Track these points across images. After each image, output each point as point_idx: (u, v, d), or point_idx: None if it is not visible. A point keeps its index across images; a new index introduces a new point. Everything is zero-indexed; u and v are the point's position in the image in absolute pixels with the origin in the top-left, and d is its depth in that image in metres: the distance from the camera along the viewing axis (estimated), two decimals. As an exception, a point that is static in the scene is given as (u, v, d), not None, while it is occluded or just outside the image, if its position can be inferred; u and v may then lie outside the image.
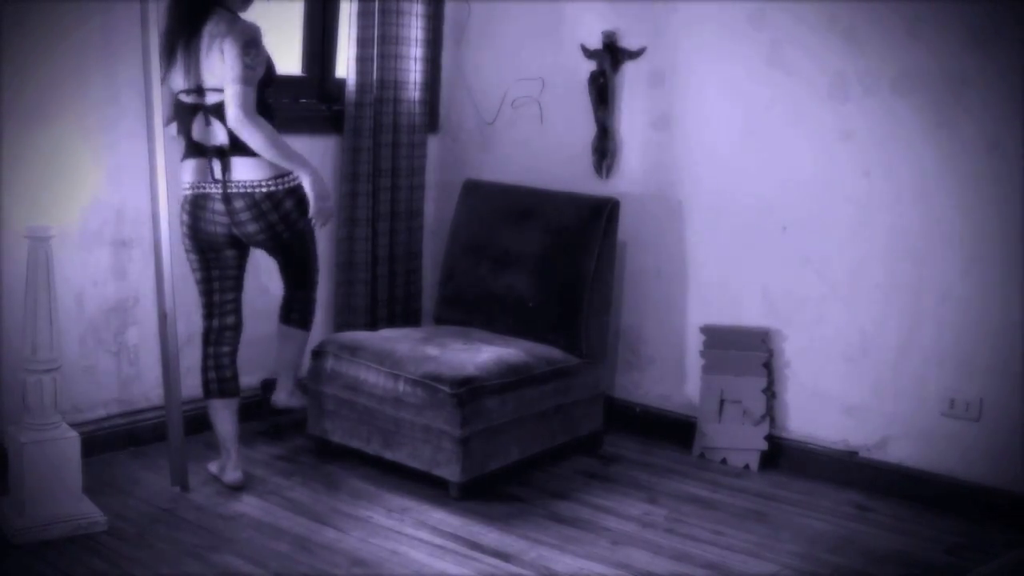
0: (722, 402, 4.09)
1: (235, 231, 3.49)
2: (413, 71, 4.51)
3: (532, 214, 4.23)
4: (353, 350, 3.85)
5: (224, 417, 3.61)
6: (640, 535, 3.42)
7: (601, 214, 4.09)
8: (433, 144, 4.79)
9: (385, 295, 4.55)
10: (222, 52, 3.33)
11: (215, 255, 3.56)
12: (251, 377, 4.10)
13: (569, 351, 4.03)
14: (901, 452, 3.82)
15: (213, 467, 3.69)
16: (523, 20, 4.59)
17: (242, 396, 3.71)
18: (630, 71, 4.31)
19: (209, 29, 3.36)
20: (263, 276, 4.05)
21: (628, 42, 4.29)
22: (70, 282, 3.65)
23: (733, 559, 3.28)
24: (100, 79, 3.67)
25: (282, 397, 3.91)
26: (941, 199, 3.66)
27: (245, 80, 3.32)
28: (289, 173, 3.46)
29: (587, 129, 4.41)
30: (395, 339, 3.93)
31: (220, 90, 3.36)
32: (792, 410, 4.05)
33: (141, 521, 3.34)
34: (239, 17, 3.43)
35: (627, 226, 4.27)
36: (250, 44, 3.34)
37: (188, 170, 3.50)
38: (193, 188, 3.50)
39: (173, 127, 3.65)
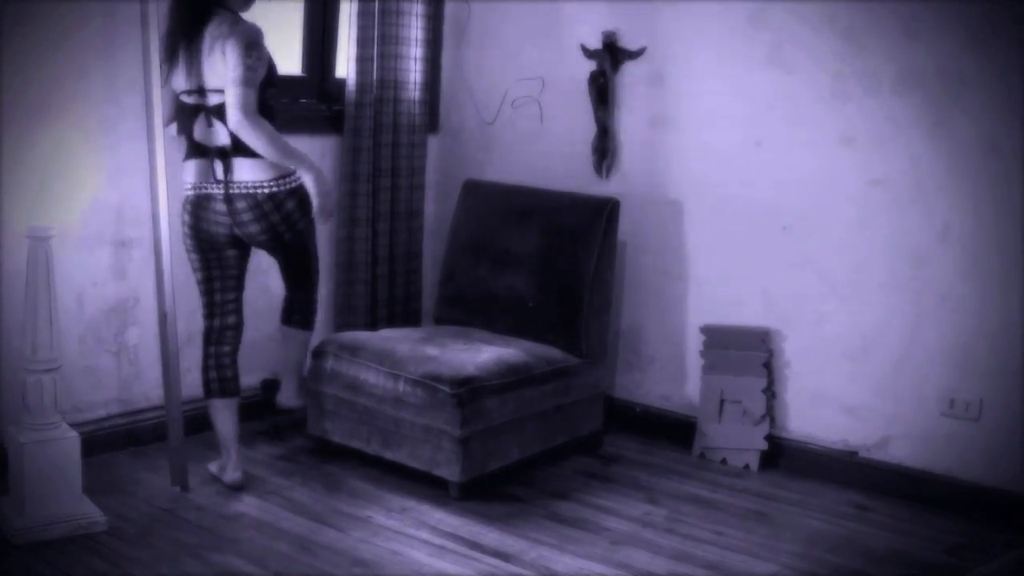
0: (722, 402, 4.09)
1: (237, 231, 3.50)
2: (413, 71, 4.51)
3: (532, 214, 4.23)
4: (353, 350, 3.85)
5: (224, 417, 3.61)
6: (640, 535, 3.42)
7: (601, 214, 4.09)
8: (433, 144, 4.79)
9: (385, 295, 4.55)
10: (224, 53, 3.33)
11: (216, 255, 3.56)
12: (251, 377, 4.10)
13: (569, 351, 4.03)
14: (901, 452, 3.82)
15: (213, 467, 3.70)
16: (523, 20, 4.59)
17: (242, 396, 3.72)
18: (630, 71, 4.31)
19: (211, 30, 3.36)
20: (264, 276, 4.05)
21: (628, 42, 4.29)
22: (70, 282, 3.65)
23: (733, 559, 3.28)
24: (100, 80, 3.67)
25: (287, 397, 3.92)
26: (941, 199, 3.66)
27: (246, 82, 3.32)
28: (291, 174, 3.46)
29: (587, 129, 4.41)
30: (395, 339, 3.93)
31: (222, 91, 3.36)
32: (792, 410, 4.05)
33: (141, 521, 3.34)
34: (241, 18, 3.43)
35: (627, 226, 4.26)
36: (252, 46, 3.34)
37: (190, 170, 3.51)
38: (195, 188, 3.50)
39: (173, 127, 3.66)
